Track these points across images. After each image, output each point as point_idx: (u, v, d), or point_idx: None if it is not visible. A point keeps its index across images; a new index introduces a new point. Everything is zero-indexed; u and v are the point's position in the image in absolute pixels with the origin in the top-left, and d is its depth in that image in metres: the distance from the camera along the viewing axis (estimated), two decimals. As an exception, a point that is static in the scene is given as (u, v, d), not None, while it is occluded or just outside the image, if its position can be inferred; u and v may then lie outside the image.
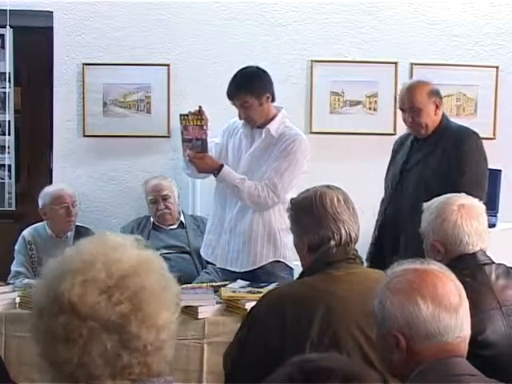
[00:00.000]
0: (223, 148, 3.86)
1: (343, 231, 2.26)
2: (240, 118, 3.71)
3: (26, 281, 3.86)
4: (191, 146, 3.65)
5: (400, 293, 1.72)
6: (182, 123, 3.70)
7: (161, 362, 1.38)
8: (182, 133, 3.72)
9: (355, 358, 2.08)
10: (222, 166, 3.66)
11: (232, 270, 3.75)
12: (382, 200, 3.78)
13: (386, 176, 3.79)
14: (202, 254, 4.01)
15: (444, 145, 3.50)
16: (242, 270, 3.71)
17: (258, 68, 3.75)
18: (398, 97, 3.65)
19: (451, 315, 1.69)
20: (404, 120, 3.61)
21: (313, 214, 2.28)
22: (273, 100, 3.73)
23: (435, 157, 3.50)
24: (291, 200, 2.42)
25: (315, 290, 2.19)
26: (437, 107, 3.54)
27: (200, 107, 3.67)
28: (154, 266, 1.42)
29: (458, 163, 3.46)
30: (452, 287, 1.74)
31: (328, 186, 2.37)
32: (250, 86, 3.64)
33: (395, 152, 3.76)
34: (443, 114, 3.61)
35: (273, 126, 3.68)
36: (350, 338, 2.12)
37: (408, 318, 1.69)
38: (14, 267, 4.08)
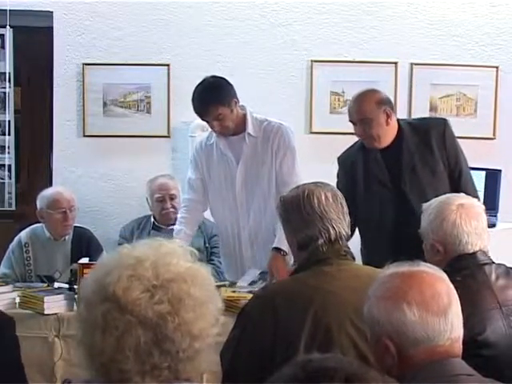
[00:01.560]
0: (204, 176, 3.76)
1: (331, 230, 2.26)
2: (215, 131, 3.61)
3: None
4: None
5: (386, 299, 1.71)
6: None
7: (191, 372, 1.42)
8: None
9: (349, 355, 2.08)
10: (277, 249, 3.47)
11: None
12: (364, 228, 3.49)
13: (359, 198, 3.51)
14: (228, 278, 3.84)
15: (428, 144, 3.40)
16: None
17: (214, 77, 3.67)
18: (348, 109, 3.47)
19: (439, 319, 1.67)
20: (356, 133, 3.45)
21: (301, 214, 2.29)
22: (237, 102, 3.65)
23: (425, 158, 3.39)
24: (280, 198, 2.42)
25: (307, 287, 2.19)
26: (388, 116, 3.36)
27: None
28: (201, 278, 1.46)
29: (451, 155, 3.40)
30: (441, 288, 1.72)
31: (316, 184, 2.36)
32: (218, 97, 3.54)
33: (354, 172, 3.51)
34: (398, 120, 3.47)
35: (250, 128, 3.62)
36: (343, 334, 2.12)
37: (395, 325, 1.68)
38: (1, 268, 4.05)
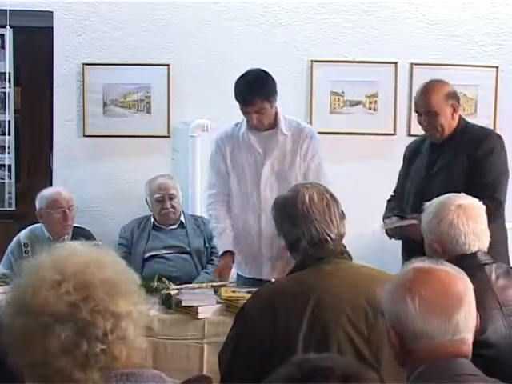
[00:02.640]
0: (227, 167, 3.72)
1: (313, 231, 2.27)
2: (252, 124, 3.61)
3: None
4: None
5: (396, 289, 1.75)
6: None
7: (131, 353, 1.44)
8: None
9: (346, 352, 2.10)
10: None
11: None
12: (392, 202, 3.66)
13: (399, 182, 3.69)
14: (241, 273, 3.83)
15: (465, 149, 3.40)
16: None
17: (262, 71, 3.67)
18: (414, 99, 3.53)
19: (441, 318, 1.68)
20: (419, 123, 3.49)
21: (287, 215, 2.34)
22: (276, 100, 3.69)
23: (459, 162, 3.40)
24: (274, 200, 2.46)
25: (305, 285, 2.21)
26: (454, 110, 3.41)
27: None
28: (106, 261, 1.49)
29: (476, 166, 3.37)
30: (455, 290, 1.72)
31: (304, 184, 2.42)
32: (265, 92, 3.58)
33: (410, 158, 3.64)
34: (461, 117, 3.50)
35: (282, 125, 3.65)
36: (340, 331, 2.14)
37: (398, 315, 1.71)
38: (0, 268, 4.04)
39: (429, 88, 3.45)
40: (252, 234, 3.70)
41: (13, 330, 1.41)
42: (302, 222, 2.29)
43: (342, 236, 2.33)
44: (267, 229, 3.60)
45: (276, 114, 3.67)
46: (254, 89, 3.57)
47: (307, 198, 2.31)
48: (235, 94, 3.60)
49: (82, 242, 1.55)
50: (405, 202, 3.57)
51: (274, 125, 3.66)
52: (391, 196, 3.73)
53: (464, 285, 1.75)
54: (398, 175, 3.74)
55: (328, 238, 2.28)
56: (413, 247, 3.42)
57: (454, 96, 3.44)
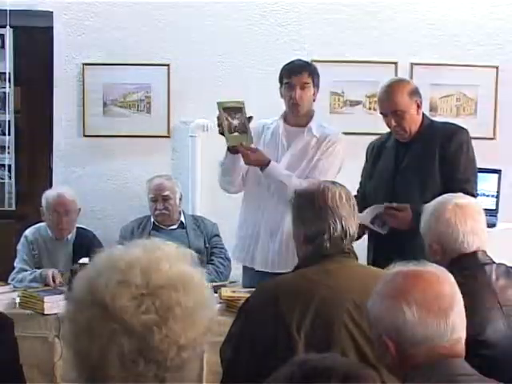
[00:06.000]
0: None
1: (339, 226, 2.29)
2: (291, 97, 3.67)
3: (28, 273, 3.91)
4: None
5: (388, 298, 1.72)
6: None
7: (179, 381, 1.38)
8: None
9: (349, 351, 2.11)
10: (270, 161, 3.61)
11: (273, 272, 3.58)
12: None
13: (364, 181, 3.67)
14: (235, 259, 3.90)
15: (436, 144, 3.40)
16: (284, 271, 3.58)
17: None
18: (377, 99, 3.52)
19: (439, 320, 1.68)
20: (386, 124, 3.47)
21: (313, 206, 2.33)
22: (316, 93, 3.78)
23: (428, 159, 3.39)
24: (295, 190, 2.47)
25: (310, 282, 2.21)
26: (418, 107, 3.41)
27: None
28: (194, 285, 1.41)
29: (449, 161, 3.36)
30: (444, 289, 1.72)
31: (333, 182, 2.44)
32: (313, 69, 3.72)
33: (375, 156, 3.63)
34: (424, 114, 3.50)
35: (314, 125, 3.72)
36: (343, 330, 2.14)
37: (395, 324, 1.69)
38: (18, 264, 4.07)
39: (393, 88, 3.42)
40: (256, 223, 3.71)
41: (80, 316, 1.34)
42: (331, 215, 2.29)
43: (352, 238, 2.35)
44: (269, 221, 3.65)
45: (313, 115, 3.75)
46: (304, 63, 3.75)
47: (337, 194, 2.33)
48: (282, 70, 3.72)
49: (176, 246, 1.48)
50: (372, 200, 3.50)
51: (307, 123, 3.72)
52: (354, 196, 3.69)
53: (450, 283, 1.76)
54: (362, 173, 3.72)
55: (348, 235, 2.31)
56: (382, 246, 3.42)
57: (417, 92, 3.42)
